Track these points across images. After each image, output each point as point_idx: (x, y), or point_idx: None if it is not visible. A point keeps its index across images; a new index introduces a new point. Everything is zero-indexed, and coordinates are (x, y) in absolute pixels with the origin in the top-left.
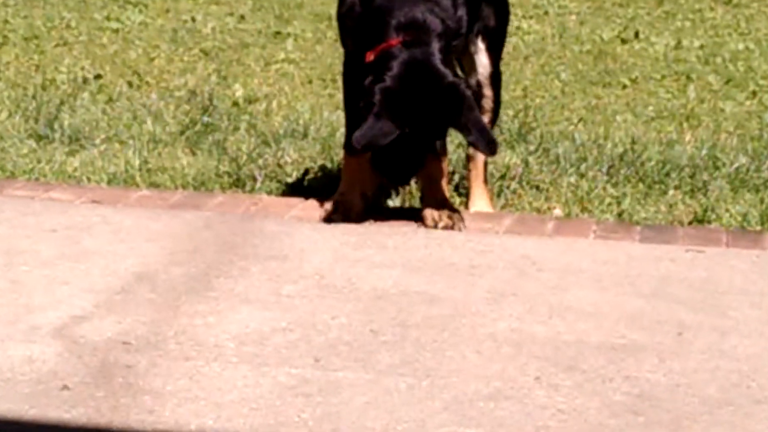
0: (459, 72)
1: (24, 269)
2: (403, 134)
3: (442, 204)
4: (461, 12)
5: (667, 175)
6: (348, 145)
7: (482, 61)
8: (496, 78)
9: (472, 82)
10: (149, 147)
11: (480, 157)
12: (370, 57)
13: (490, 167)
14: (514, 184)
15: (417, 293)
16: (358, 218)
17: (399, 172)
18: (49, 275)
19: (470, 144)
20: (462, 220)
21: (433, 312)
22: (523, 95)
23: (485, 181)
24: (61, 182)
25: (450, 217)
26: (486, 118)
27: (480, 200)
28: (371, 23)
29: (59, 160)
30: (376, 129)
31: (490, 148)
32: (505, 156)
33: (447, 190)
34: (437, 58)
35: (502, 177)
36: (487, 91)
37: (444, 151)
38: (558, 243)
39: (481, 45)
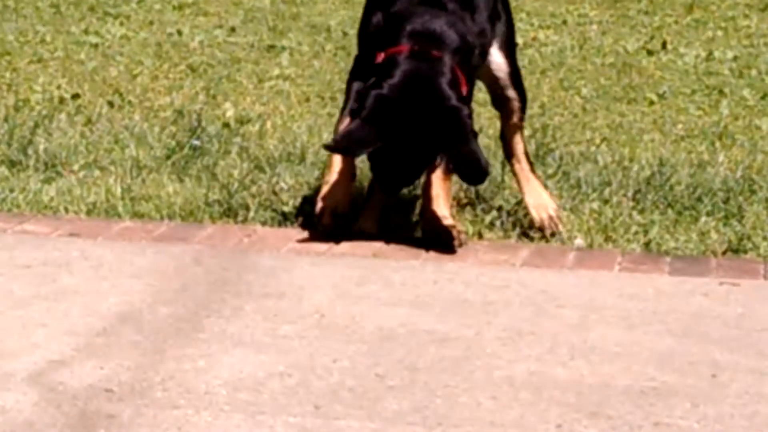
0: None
1: None
2: (392, 147)
3: (439, 221)
4: (485, 26)
5: (699, 200)
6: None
7: (498, 62)
8: (516, 76)
9: (493, 87)
10: (132, 173)
11: (519, 150)
12: (380, 58)
13: (506, 192)
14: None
15: (426, 333)
16: (345, 215)
17: (391, 182)
18: (23, 316)
19: (456, 173)
20: (454, 238)
21: (444, 353)
22: (540, 113)
23: (533, 170)
24: (36, 213)
25: (445, 234)
26: (516, 118)
27: (533, 191)
28: (387, 28)
29: (34, 188)
30: (358, 135)
31: (477, 179)
32: None
33: (447, 206)
34: (445, 76)
35: (518, 203)
36: (511, 93)
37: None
38: (580, 276)
39: (495, 47)
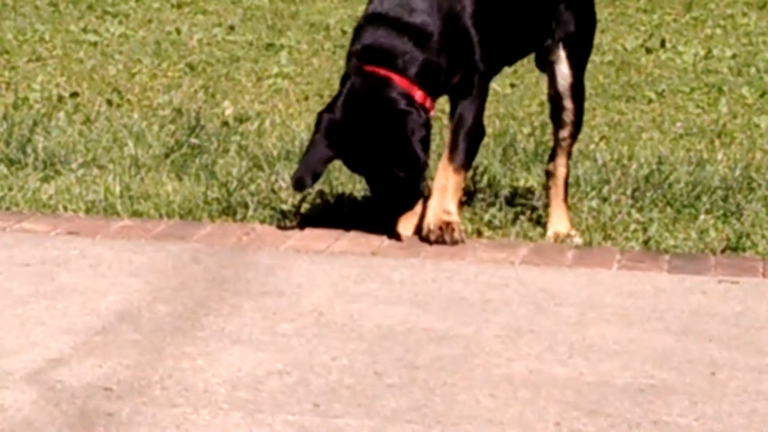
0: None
1: None
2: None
3: (442, 216)
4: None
5: (698, 198)
6: (466, 164)
7: (563, 71)
8: (578, 89)
9: (551, 92)
10: (131, 172)
11: (560, 173)
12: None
13: (504, 190)
14: (529, 211)
15: (425, 331)
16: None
17: (386, 208)
18: (22, 315)
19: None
20: (453, 231)
21: (443, 352)
22: (539, 111)
23: (565, 199)
24: (34, 211)
25: (441, 228)
26: (566, 132)
27: (558, 220)
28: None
29: (32, 187)
30: (310, 156)
31: (413, 176)
32: (519, 179)
33: (455, 202)
34: (390, 89)
35: (523, 196)
36: (568, 103)
37: (463, 164)
38: (579, 274)
39: (561, 53)
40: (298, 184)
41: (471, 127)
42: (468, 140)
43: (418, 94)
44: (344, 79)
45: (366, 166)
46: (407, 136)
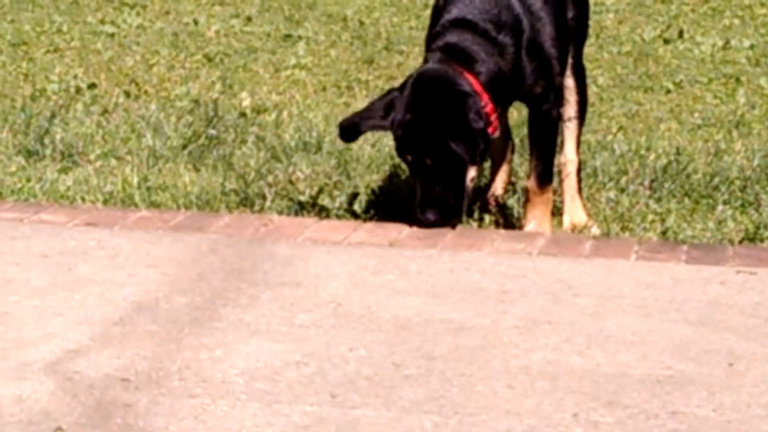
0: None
1: (13, 299)
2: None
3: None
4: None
5: (716, 188)
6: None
7: (569, 86)
8: (578, 69)
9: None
10: (149, 163)
11: (571, 163)
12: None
13: (522, 181)
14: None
15: (442, 322)
16: None
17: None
18: (40, 306)
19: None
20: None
21: (461, 342)
22: None
23: (579, 190)
24: (52, 203)
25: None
26: (572, 111)
27: (574, 211)
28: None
29: (50, 178)
30: (362, 115)
31: (471, 158)
32: None
33: (547, 223)
34: (457, 76)
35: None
36: (570, 82)
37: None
38: (596, 265)
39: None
40: (343, 131)
41: (546, 144)
42: (545, 158)
43: (486, 97)
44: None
45: (421, 146)
46: (467, 113)
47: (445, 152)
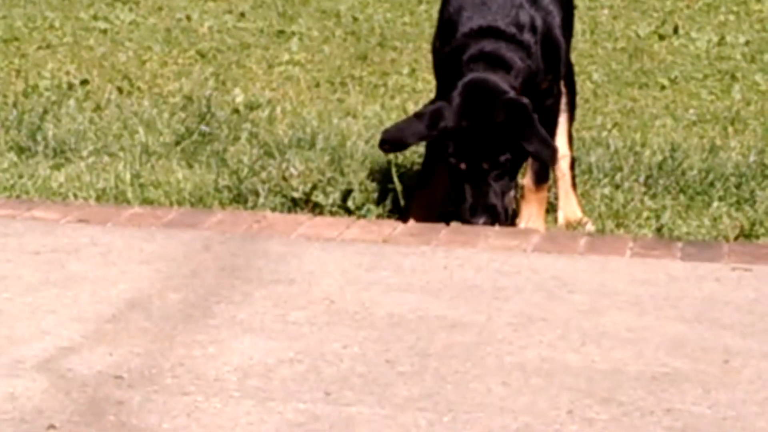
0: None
1: (5, 296)
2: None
3: None
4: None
5: (711, 185)
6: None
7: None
8: (568, 64)
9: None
10: (141, 159)
11: (564, 158)
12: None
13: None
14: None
15: (437, 319)
16: None
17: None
18: (32, 303)
19: (531, 155)
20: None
21: (455, 339)
22: None
23: (573, 185)
24: (44, 199)
25: None
26: (563, 105)
27: (569, 206)
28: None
29: (43, 174)
30: (406, 125)
31: (551, 159)
32: None
33: (541, 219)
34: (504, 80)
35: None
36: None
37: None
38: (591, 262)
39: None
40: (388, 144)
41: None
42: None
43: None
44: (445, 84)
45: (480, 152)
46: (535, 122)
47: (506, 157)
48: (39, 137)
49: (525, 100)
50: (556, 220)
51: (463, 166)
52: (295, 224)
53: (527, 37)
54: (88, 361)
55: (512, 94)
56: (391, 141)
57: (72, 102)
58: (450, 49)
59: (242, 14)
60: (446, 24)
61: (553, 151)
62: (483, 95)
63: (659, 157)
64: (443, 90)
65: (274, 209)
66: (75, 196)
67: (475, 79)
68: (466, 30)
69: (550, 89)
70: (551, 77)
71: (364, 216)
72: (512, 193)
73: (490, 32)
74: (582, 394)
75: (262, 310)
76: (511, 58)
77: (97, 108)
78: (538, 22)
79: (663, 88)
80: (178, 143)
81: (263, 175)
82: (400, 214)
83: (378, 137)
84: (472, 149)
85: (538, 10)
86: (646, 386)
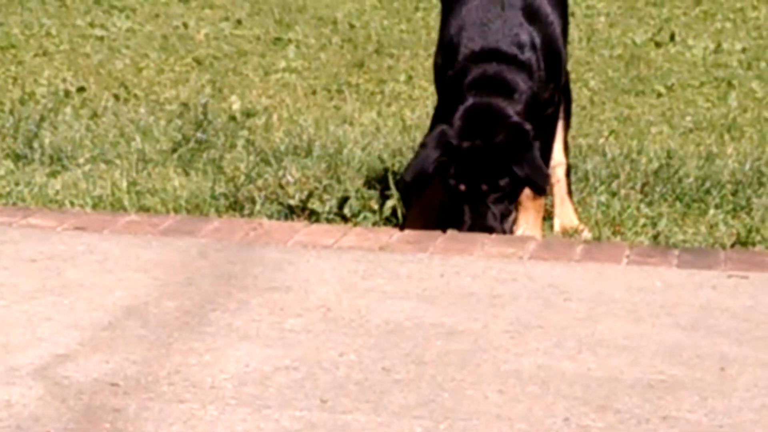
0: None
1: (1, 304)
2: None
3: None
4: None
5: (707, 192)
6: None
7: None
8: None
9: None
10: (138, 167)
11: (559, 166)
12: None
13: None
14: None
15: (433, 326)
16: None
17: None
18: (28, 310)
19: (523, 180)
20: None
21: (451, 347)
22: None
23: (569, 192)
24: (41, 207)
25: None
26: (559, 113)
27: (565, 214)
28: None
29: (39, 182)
30: (419, 159)
31: (540, 188)
32: None
33: (538, 227)
34: (505, 106)
35: None
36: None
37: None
38: (587, 269)
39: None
40: (410, 186)
41: (544, 150)
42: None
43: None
44: (447, 106)
45: (480, 174)
46: (533, 148)
47: (505, 181)
48: (35, 144)
49: (527, 126)
50: (552, 227)
51: (462, 187)
52: (292, 232)
53: (528, 55)
54: (84, 369)
55: (515, 118)
56: (415, 179)
57: (69, 109)
58: (453, 72)
59: (239, 21)
60: (447, 45)
61: (545, 180)
62: (484, 119)
63: (656, 165)
64: (445, 112)
65: (270, 217)
66: (71, 203)
67: (478, 103)
68: (467, 52)
69: (551, 98)
70: (552, 86)
71: (361, 223)
72: (512, 216)
73: (492, 55)
74: (578, 401)
75: (258, 317)
76: (513, 80)
77: (94, 115)
78: (539, 39)
79: (659, 95)
80: (174, 150)
81: (260, 182)
82: (397, 221)
83: (402, 183)
84: (472, 171)
85: (538, 24)
86: (642, 394)
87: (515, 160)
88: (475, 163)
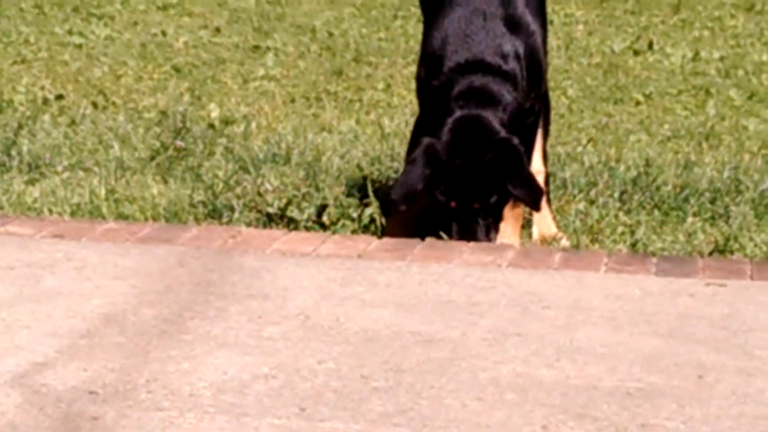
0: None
1: None
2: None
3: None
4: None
5: (686, 200)
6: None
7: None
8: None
9: None
10: (116, 174)
11: (541, 176)
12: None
13: None
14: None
15: (411, 334)
16: None
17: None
18: (6, 318)
19: (516, 198)
20: None
21: (430, 355)
22: None
23: (548, 201)
24: (19, 214)
25: None
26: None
27: (543, 222)
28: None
29: (17, 189)
30: (408, 175)
31: (536, 204)
32: None
33: (516, 234)
34: (492, 118)
35: None
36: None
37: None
38: (566, 277)
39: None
40: (399, 202)
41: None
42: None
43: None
44: (432, 119)
45: (471, 191)
46: (525, 165)
47: (495, 198)
48: (14, 152)
49: (515, 140)
50: (530, 235)
51: (452, 204)
52: (270, 239)
53: (512, 65)
54: (62, 377)
55: (503, 133)
56: (404, 196)
57: (47, 117)
58: (438, 83)
59: (218, 29)
60: (431, 57)
61: (539, 196)
62: (473, 133)
63: (634, 173)
64: (430, 124)
65: (249, 224)
66: (50, 211)
67: (465, 115)
68: (452, 64)
69: (532, 107)
70: (534, 95)
71: (339, 231)
72: (498, 232)
73: (477, 66)
74: (556, 409)
75: (236, 325)
76: (498, 92)
77: (72, 123)
78: (521, 49)
79: (637, 103)
80: (153, 158)
81: (238, 190)
82: (376, 229)
83: (389, 201)
84: (463, 189)
85: (520, 34)
86: (620, 402)
87: (509, 179)
88: (467, 180)
